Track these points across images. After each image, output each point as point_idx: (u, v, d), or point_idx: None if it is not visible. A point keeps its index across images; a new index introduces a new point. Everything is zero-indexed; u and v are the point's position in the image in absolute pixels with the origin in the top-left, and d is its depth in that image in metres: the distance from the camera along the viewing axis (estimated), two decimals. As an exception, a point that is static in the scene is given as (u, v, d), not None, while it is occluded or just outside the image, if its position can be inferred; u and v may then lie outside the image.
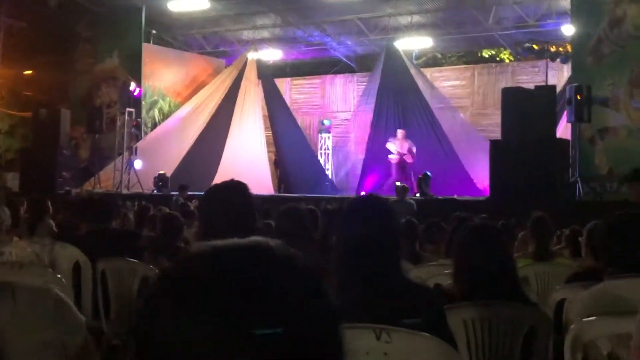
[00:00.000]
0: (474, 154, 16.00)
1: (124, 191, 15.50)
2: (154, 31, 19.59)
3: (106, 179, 16.38)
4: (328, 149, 19.58)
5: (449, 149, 16.66)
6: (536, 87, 12.85)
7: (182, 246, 4.72)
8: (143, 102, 18.61)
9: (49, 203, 5.74)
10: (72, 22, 19.33)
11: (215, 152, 17.77)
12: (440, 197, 13.26)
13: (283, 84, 20.97)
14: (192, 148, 17.80)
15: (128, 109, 16.84)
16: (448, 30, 18.24)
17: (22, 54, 18.86)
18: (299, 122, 19.69)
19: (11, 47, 19.02)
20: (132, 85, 17.65)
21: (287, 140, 18.07)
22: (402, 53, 17.96)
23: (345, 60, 21.17)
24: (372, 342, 2.01)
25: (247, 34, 20.11)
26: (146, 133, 18.43)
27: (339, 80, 21.27)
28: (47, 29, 18.85)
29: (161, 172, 15.74)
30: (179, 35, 20.80)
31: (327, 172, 18.95)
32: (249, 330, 0.70)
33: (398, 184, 12.47)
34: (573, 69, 14.52)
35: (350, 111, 20.23)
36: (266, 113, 18.93)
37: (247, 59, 19.22)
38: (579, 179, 11.57)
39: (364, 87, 19.52)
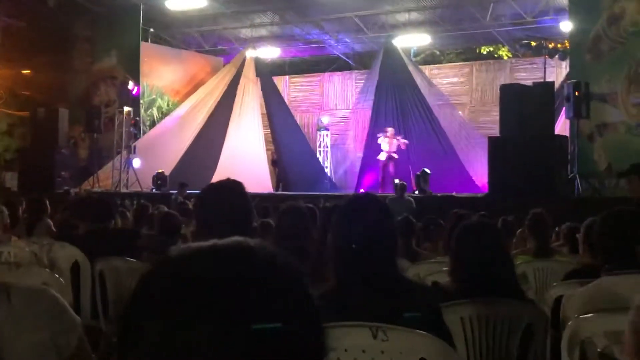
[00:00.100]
0: (473, 151, 16.04)
1: (123, 190, 15.51)
2: (152, 30, 19.57)
3: (105, 178, 16.39)
4: (327, 147, 19.56)
5: (448, 146, 16.66)
6: (534, 83, 12.84)
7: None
8: (141, 101, 18.62)
9: (48, 203, 5.73)
10: (70, 22, 19.31)
11: (214, 151, 17.77)
12: (439, 195, 13.27)
13: (281, 82, 20.96)
14: (191, 146, 17.81)
15: (126, 108, 16.87)
16: (446, 27, 18.21)
17: (20, 54, 18.82)
18: (298, 119, 19.68)
19: (9, 46, 18.97)
20: (131, 84, 17.66)
21: (286, 138, 18.05)
22: (400, 50, 17.95)
23: (343, 57, 21.14)
24: (369, 341, 2.01)
25: (245, 32, 20.08)
26: (145, 132, 18.43)
27: (337, 78, 21.24)
28: (46, 29, 18.83)
29: (160, 170, 15.76)
30: (177, 34, 20.77)
31: (325, 170, 18.94)
32: (229, 329, 0.70)
33: (397, 181, 12.47)
34: (571, 65, 14.52)
35: (348, 109, 20.21)
36: (264, 111, 18.92)
37: (245, 57, 19.22)
38: (577, 176, 11.58)
39: (362, 84, 19.49)
